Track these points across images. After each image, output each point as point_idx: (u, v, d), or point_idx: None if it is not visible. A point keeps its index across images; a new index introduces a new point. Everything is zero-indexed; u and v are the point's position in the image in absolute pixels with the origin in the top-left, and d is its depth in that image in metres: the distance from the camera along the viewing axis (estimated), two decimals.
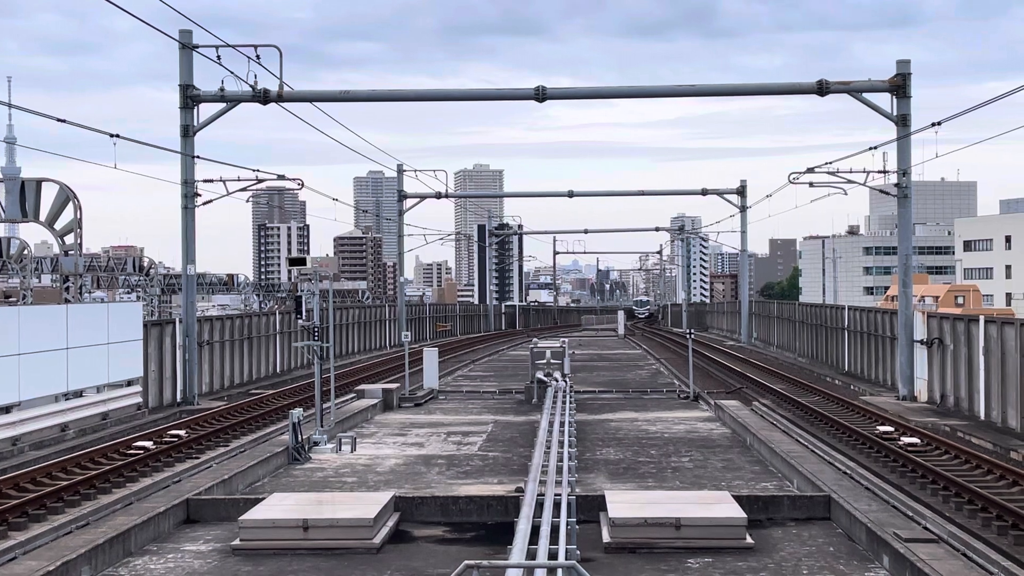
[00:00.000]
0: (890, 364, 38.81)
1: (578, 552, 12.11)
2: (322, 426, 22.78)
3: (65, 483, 19.41)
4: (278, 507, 14.83)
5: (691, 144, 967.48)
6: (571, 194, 72.47)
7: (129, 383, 30.69)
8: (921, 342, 35.10)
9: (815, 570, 12.86)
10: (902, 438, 24.91)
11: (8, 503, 17.60)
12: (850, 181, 39.75)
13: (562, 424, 20.78)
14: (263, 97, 34.50)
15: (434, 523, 15.60)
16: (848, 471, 17.91)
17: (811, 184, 40.81)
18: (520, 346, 64.12)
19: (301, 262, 24.07)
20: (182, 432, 25.96)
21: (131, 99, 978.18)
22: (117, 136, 28.16)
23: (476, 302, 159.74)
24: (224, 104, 35.06)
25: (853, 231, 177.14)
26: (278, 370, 45.88)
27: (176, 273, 68.08)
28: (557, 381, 29.49)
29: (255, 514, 14.37)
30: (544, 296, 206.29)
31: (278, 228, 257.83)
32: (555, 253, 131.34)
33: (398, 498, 15.94)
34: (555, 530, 12.11)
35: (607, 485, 17.97)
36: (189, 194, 35.49)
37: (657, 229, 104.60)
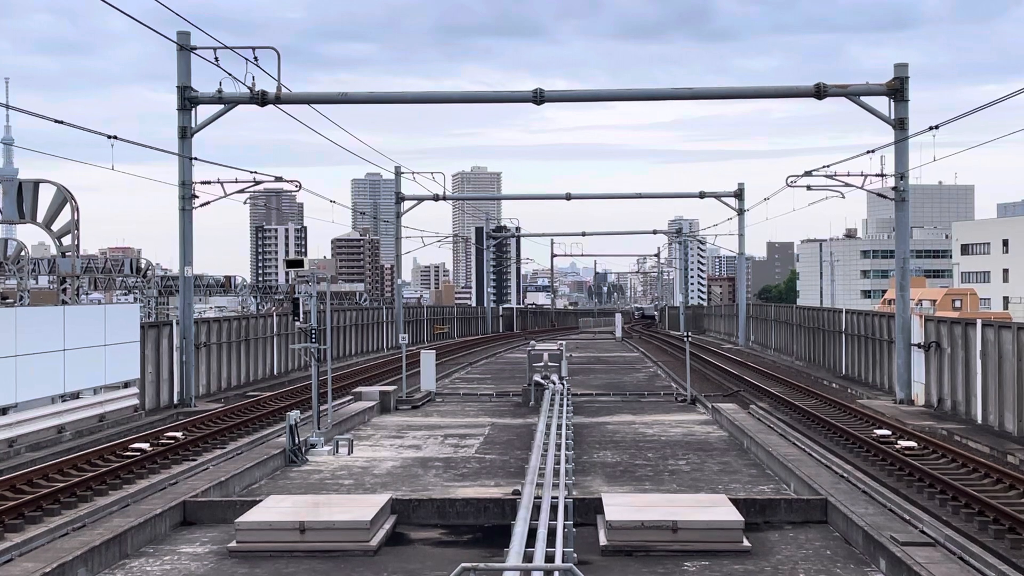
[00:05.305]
0: (887, 368, 38.82)
1: (575, 555, 12.10)
2: (319, 428, 22.77)
3: (62, 485, 19.38)
4: (275, 509, 14.83)
5: (688, 147, 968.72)
6: (569, 197, 72.52)
7: (126, 385, 30.66)
8: (918, 346, 35.11)
9: (812, 573, 12.86)
10: (899, 441, 24.90)
11: (5, 504, 17.57)
12: (848, 184, 39.82)
13: (559, 427, 20.77)
14: (261, 99, 34.48)
15: (431, 525, 15.60)
16: (845, 474, 17.92)
17: (809, 187, 40.88)
18: (518, 348, 64.11)
19: (298, 264, 24.07)
20: (179, 434, 25.93)
21: (125, 100, 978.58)
22: (115, 137, 28.13)
23: (474, 304, 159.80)
24: (222, 106, 35.04)
25: (851, 234, 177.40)
26: (275, 372, 45.84)
27: (174, 275, 68.02)
28: (554, 384, 29.48)
29: (252, 516, 14.36)
30: (542, 299, 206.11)
31: (275, 230, 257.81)
32: (553, 255, 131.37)
33: (395, 500, 15.93)
34: (552, 533, 12.11)
35: (604, 488, 17.97)
36: (187, 196, 35.46)
37: (655, 232, 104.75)
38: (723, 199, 72.28)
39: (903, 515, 14.52)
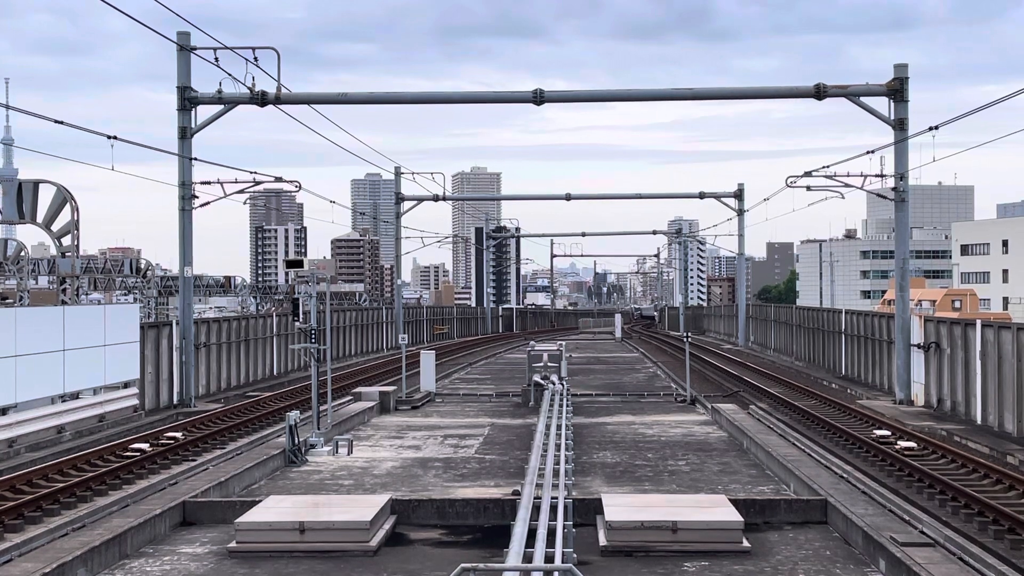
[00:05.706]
0: (887, 368, 38.82)
1: (574, 555, 12.10)
2: (319, 428, 22.77)
3: (61, 485, 19.38)
4: (274, 509, 14.83)
5: (688, 147, 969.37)
6: (568, 197, 72.48)
7: (126, 385, 30.65)
8: (918, 346, 35.11)
9: (811, 574, 12.86)
10: (899, 442, 24.91)
11: (5, 504, 17.58)
12: (847, 185, 39.80)
13: (559, 427, 20.77)
14: (260, 99, 34.48)
15: (431, 526, 15.60)
16: (845, 475, 17.92)
17: (808, 188, 40.87)
18: (517, 349, 64.10)
19: (298, 264, 24.05)
20: (179, 434, 25.94)
21: (125, 100, 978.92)
22: (115, 138, 28.13)
23: (473, 305, 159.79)
24: (222, 106, 35.03)
25: (850, 235, 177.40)
26: (275, 372, 45.84)
27: (173, 275, 67.98)
28: (554, 384, 29.48)
29: (251, 516, 14.36)
30: (541, 299, 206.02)
31: (275, 230, 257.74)
32: (552, 256, 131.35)
33: (395, 501, 15.93)
34: (552, 533, 12.11)
35: (604, 488, 17.97)
36: (187, 196, 35.46)
37: (655, 232, 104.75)
38: (723, 199, 72.28)
39: (903, 516, 14.52)
